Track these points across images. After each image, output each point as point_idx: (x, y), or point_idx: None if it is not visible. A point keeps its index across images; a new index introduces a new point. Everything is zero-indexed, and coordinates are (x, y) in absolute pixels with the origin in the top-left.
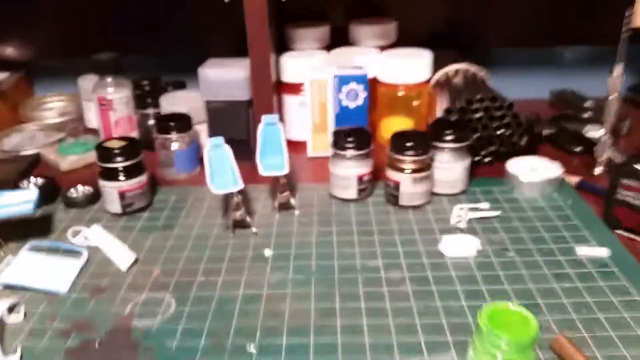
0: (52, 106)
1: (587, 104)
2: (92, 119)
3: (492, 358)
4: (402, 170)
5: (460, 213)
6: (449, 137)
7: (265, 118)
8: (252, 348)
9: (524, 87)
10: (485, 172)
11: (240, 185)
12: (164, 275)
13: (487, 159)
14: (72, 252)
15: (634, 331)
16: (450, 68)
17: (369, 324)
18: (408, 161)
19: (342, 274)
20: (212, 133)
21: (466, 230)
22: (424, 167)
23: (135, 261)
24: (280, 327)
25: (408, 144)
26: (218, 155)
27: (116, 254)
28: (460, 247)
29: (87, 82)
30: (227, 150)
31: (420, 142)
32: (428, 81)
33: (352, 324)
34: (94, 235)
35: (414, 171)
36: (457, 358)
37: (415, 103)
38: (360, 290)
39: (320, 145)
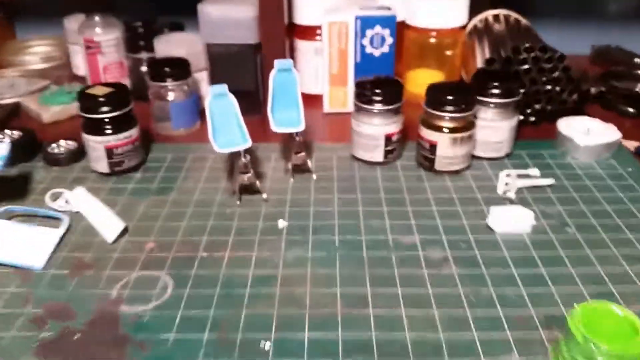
0: (35, 50)
1: (638, 60)
2: (80, 65)
3: None
4: (439, 129)
5: (507, 180)
6: (495, 91)
7: (278, 63)
8: (266, 346)
9: (561, 41)
10: (530, 133)
11: (248, 143)
12: (158, 249)
13: (532, 118)
14: (51, 219)
15: None
16: (489, 13)
17: (409, 315)
18: (447, 118)
19: (372, 252)
20: (214, 83)
21: (516, 200)
22: (466, 126)
23: (125, 231)
24: (301, 317)
25: (448, 98)
26: (222, 107)
27: (102, 222)
28: (511, 221)
29: (73, 23)
30: (233, 101)
31: (462, 95)
32: (463, 28)
33: (389, 317)
34: (77, 200)
35: (454, 130)
36: None
37: (448, 52)
38: (395, 272)
39: (338, 99)
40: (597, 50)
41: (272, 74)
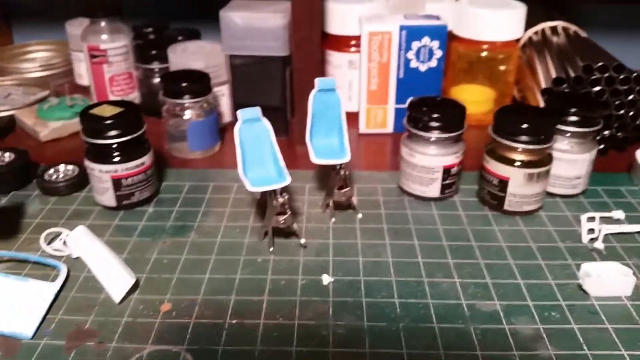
0: (34, 57)
1: None
2: (83, 74)
3: None
4: (511, 162)
5: (593, 227)
6: (573, 118)
7: (320, 83)
8: None
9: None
10: (604, 164)
11: (287, 180)
12: (176, 313)
13: (600, 146)
14: (45, 267)
15: None
16: (547, 24)
17: None
18: (521, 150)
19: (443, 323)
20: (237, 98)
21: (605, 253)
22: (544, 160)
23: (135, 286)
24: None
25: (524, 126)
26: (254, 134)
27: (107, 274)
28: (608, 282)
29: (76, 27)
30: (267, 127)
31: (540, 122)
32: (518, 41)
33: None
34: (77, 243)
35: (529, 165)
36: None
37: (502, 68)
38: (477, 353)
39: (376, 119)
40: None
41: (312, 94)
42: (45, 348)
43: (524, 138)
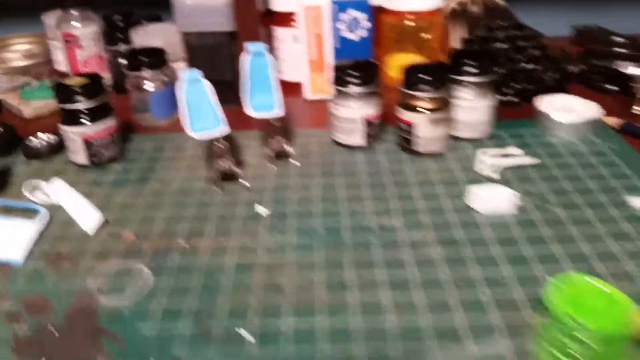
0: (17, 48)
1: (618, 39)
2: (61, 60)
3: (566, 356)
4: (416, 109)
5: (489, 160)
6: (471, 70)
7: (250, 47)
8: (247, 334)
9: (542, 23)
10: (511, 113)
11: (224, 128)
12: (137, 240)
13: (513, 99)
14: (29, 212)
15: None
16: None
17: (393, 301)
18: (424, 98)
19: (353, 236)
20: None
21: (498, 180)
22: (443, 105)
23: (104, 222)
24: (280, 305)
25: (423, 77)
26: (196, 92)
27: (80, 213)
28: (493, 201)
29: (52, 18)
30: (207, 86)
31: (438, 75)
32: (441, 10)
33: (369, 302)
34: (55, 191)
35: (431, 110)
36: (511, 348)
37: (425, 36)
38: (376, 256)
39: (318, 85)
40: (577, 30)
41: (245, 58)
42: (31, 270)
43: (424, 87)
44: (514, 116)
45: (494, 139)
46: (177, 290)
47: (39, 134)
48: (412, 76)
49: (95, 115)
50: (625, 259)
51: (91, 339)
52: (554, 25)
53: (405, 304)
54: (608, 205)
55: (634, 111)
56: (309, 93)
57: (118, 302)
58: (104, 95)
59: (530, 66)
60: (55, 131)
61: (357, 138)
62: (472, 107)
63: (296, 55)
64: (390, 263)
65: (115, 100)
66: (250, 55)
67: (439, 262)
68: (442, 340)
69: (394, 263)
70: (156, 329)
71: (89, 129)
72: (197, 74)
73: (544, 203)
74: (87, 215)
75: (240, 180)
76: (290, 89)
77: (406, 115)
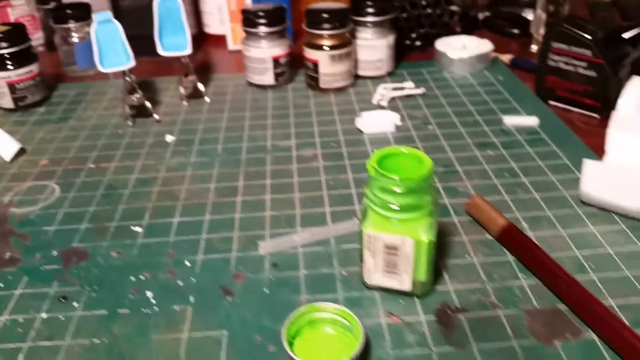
0: None
1: None
2: None
3: (385, 208)
4: (320, 47)
5: (383, 92)
6: (370, 10)
7: None
8: (137, 228)
9: None
10: (415, 57)
11: (132, 62)
12: (50, 165)
13: (417, 43)
14: None
15: (560, 192)
16: None
17: (273, 198)
18: (326, 36)
19: (250, 155)
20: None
21: (388, 108)
22: (344, 43)
23: (22, 152)
24: (173, 207)
25: (324, 16)
26: (107, 32)
27: (1, 145)
28: (378, 122)
29: None
30: (117, 26)
31: (338, 15)
32: None
33: (253, 200)
34: None
35: (333, 47)
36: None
37: None
38: (267, 168)
39: (241, 37)
40: None
41: (155, 1)
42: None
43: (326, 26)
44: (419, 59)
45: (394, 77)
46: (81, 200)
47: None
48: (315, 16)
49: (18, 60)
50: (483, 161)
51: (1, 239)
52: None
53: (285, 201)
54: (483, 124)
55: (531, 50)
56: (231, 44)
57: (27, 211)
58: (27, 42)
59: (432, 11)
60: None
61: (267, 77)
62: (372, 45)
63: (220, 8)
64: (279, 173)
65: (47, 59)
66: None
67: (321, 170)
68: (311, 222)
69: (281, 173)
70: (59, 229)
71: (12, 73)
72: (109, 15)
73: (425, 124)
74: (6, 146)
75: (152, 114)
76: (216, 41)
77: (311, 54)
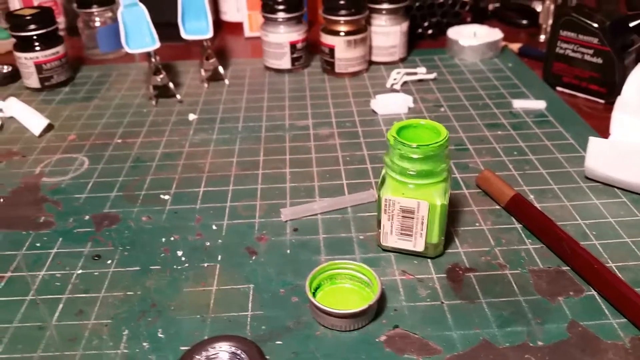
0: None
1: None
2: (17, 5)
3: (403, 175)
4: (336, 33)
5: (396, 76)
6: None
7: None
8: (165, 196)
9: None
10: (429, 44)
11: (157, 44)
12: (79, 140)
13: (429, 31)
14: None
15: (566, 169)
16: None
17: (292, 172)
18: (342, 22)
19: (269, 133)
20: None
21: (401, 91)
22: (360, 29)
23: (50, 128)
24: (199, 178)
25: (341, 3)
26: (133, 15)
27: (30, 121)
28: (392, 104)
29: None
30: (143, 9)
31: (354, 2)
32: None
33: (274, 173)
34: (9, 106)
35: (349, 33)
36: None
37: None
38: (286, 145)
39: (257, 24)
40: None
41: None
42: None
43: (342, 12)
44: (430, 47)
45: (407, 63)
46: (110, 171)
47: None
48: (332, 2)
49: (46, 41)
50: (493, 140)
51: (34, 205)
52: None
53: (303, 174)
54: (493, 107)
55: (539, 39)
56: (248, 31)
57: (58, 180)
58: (54, 25)
59: (444, 1)
60: (12, 64)
61: (284, 62)
62: (386, 32)
63: None
64: (296, 149)
65: (69, 42)
66: None
67: (337, 147)
68: (329, 193)
69: (299, 149)
70: (90, 196)
71: (40, 54)
72: None
73: (437, 106)
74: (35, 122)
75: (174, 95)
76: (233, 28)
77: (327, 39)
